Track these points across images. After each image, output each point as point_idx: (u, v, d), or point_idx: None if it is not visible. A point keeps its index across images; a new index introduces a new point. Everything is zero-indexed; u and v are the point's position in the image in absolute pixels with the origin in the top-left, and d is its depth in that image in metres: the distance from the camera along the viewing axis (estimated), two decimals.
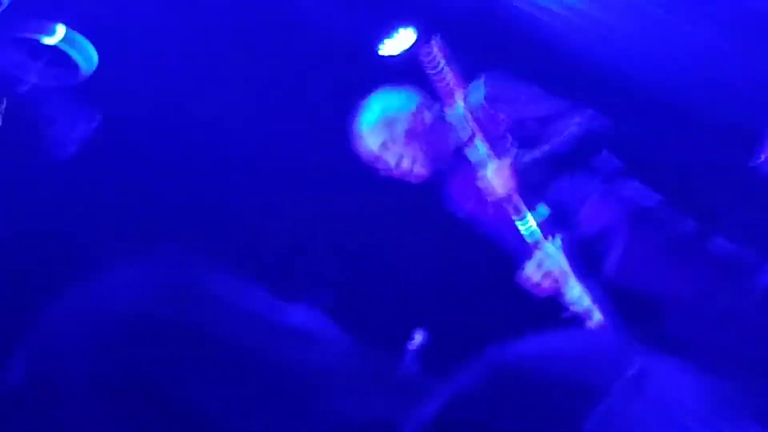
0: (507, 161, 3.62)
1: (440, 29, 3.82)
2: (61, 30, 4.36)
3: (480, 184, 3.67)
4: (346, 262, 4.58)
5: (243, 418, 3.93)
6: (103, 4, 4.56)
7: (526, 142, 3.70)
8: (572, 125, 3.69)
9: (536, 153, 3.64)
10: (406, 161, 3.74)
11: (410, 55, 3.87)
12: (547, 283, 3.64)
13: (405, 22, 4.75)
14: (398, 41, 5.87)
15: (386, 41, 5.48)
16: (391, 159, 3.76)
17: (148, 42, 4.73)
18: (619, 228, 3.63)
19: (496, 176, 3.62)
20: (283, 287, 4.14)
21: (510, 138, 3.71)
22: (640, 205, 3.67)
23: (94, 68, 4.42)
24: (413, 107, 3.79)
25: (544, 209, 3.66)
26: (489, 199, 3.68)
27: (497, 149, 3.66)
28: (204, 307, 4.09)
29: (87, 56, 4.42)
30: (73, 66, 4.45)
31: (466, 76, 3.74)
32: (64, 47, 4.36)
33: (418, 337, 4.22)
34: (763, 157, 4.27)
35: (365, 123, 3.79)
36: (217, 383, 3.96)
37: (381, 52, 5.21)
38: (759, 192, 4.50)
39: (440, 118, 3.79)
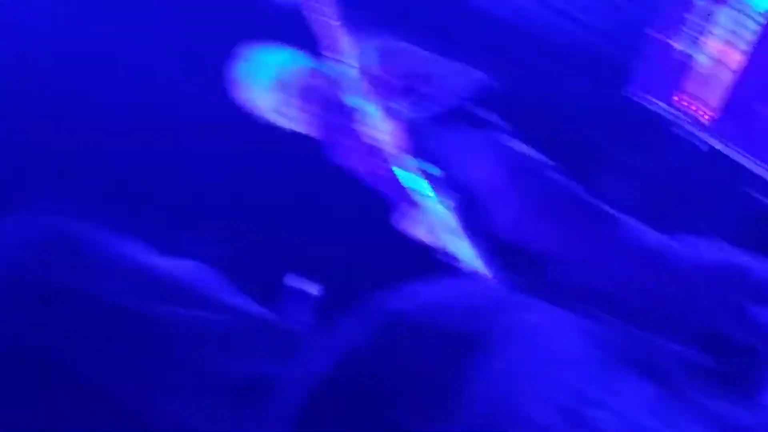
0: (397, 119, 3.57)
1: None
2: None
3: (369, 141, 3.62)
4: (229, 215, 4.50)
5: (121, 377, 3.80)
6: None
7: (415, 101, 3.68)
8: (461, 84, 3.68)
9: (425, 111, 3.62)
10: (301, 122, 3.66)
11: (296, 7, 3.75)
12: (429, 236, 3.64)
13: None
14: None
15: None
16: (284, 123, 3.66)
17: None
18: (507, 185, 3.66)
19: (385, 134, 3.58)
20: (164, 241, 4.00)
21: (400, 97, 3.68)
22: (523, 161, 3.70)
23: None
24: (304, 68, 3.70)
25: (433, 168, 3.65)
26: (377, 157, 3.64)
27: (387, 108, 3.61)
28: (79, 263, 3.92)
29: None
30: None
31: (358, 33, 3.66)
32: None
33: (299, 287, 4.16)
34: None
35: (255, 84, 3.68)
36: (92, 342, 3.82)
37: None
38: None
39: (331, 79, 3.72)
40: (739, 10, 4.16)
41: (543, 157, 3.77)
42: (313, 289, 4.11)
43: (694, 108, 4.38)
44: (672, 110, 4.50)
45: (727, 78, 4.23)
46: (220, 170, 4.50)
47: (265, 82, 3.71)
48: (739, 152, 4.32)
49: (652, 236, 3.70)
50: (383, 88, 3.70)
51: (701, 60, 4.34)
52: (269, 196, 4.47)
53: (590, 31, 5.62)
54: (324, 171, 3.89)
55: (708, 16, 4.28)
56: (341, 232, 4.40)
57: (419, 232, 3.65)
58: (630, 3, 5.38)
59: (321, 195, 4.44)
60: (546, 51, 5.44)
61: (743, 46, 4.17)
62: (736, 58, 4.20)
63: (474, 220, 3.67)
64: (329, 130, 3.79)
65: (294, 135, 3.78)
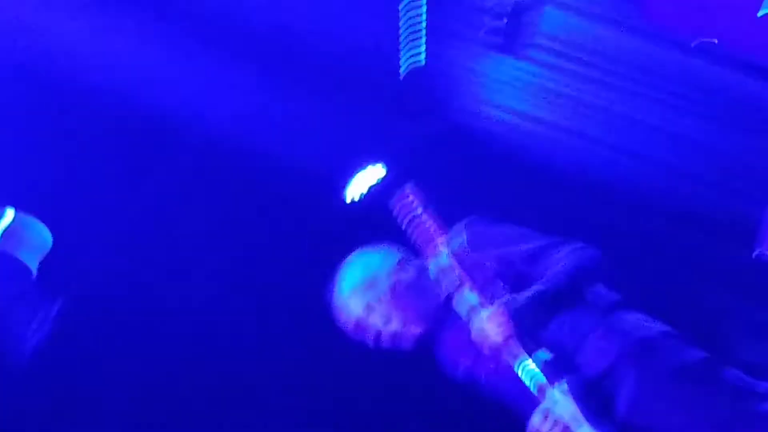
0: (500, 306, 3.39)
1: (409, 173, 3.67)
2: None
3: (474, 335, 3.45)
4: None
5: None
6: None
7: (515, 283, 3.50)
8: (562, 260, 3.49)
9: (528, 293, 3.43)
10: (394, 322, 3.53)
11: (383, 206, 3.67)
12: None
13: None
14: (365, 179, 5.80)
15: (352, 182, 5.41)
16: (378, 322, 3.54)
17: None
18: (624, 364, 3.42)
19: (490, 324, 3.41)
20: None
21: (500, 282, 3.51)
22: (642, 337, 3.46)
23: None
24: (394, 264, 3.60)
25: (544, 353, 3.44)
26: (485, 351, 3.46)
27: (487, 295, 3.44)
28: None
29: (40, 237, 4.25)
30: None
31: (445, 221, 3.53)
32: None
33: None
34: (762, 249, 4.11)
35: (345, 288, 3.59)
36: None
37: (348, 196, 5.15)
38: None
39: (423, 272, 3.60)
40: None
41: (665, 328, 3.51)
42: None
43: None
44: None
45: None
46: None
47: (359, 287, 3.59)
48: None
49: None
50: (481, 274, 3.54)
51: None
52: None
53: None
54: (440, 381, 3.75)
55: None
56: None
57: (543, 427, 3.41)
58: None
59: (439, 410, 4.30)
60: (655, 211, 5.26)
61: None
62: None
63: (600, 406, 3.42)
64: (433, 331, 3.64)
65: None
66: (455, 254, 3.52)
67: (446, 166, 5.91)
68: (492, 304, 3.43)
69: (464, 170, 5.73)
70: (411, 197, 3.50)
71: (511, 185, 5.62)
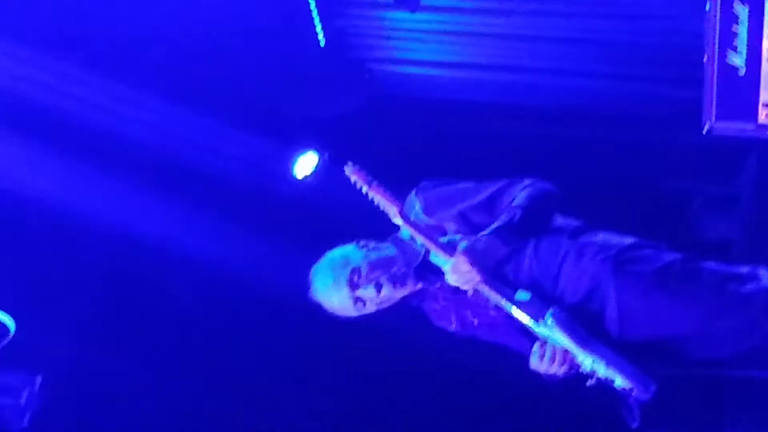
0: (460, 253, 3.37)
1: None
2: None
3: (456, 294, 3.46)
4: None
5: None
6: None
7: (473, 230, 3.50)
8: (515, 196, 3.48)
9: (486, 232, 3.42)
10: (385, 285, 3.52)
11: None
12: (557, 367, 3.41)
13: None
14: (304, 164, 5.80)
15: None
16: (367, 292, 3.53)
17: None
18: (603, 282, 3.43)
19: (457, 273, 3.38)
20: None
21: (460, 234, 3.50)
22: (614, 253, 3.47)
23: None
24: (361, 249, 3.58)
25: (523, 293, 3.43)
26: (473, 307, 3.49)
27: (450, 250, 3.43)
28: None
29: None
30: None
31: (394, 190, 3.50)
32: None
33: None
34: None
35: (328, 290, 3.57)
36: None
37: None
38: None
39: (392, 246, 3.61)
40: None
41: (633, 239, 3.50)
42: None
43: None
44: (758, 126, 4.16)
45: None
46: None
47: (335, 283, 3.57)
48: None
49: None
50: (441, 234, 3.52)
51: (765, 66, 4.04)
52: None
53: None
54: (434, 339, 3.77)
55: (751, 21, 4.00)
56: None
57: (542, 365, 3.40)
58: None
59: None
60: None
61: None
62: None
63: (585, 327, 3.42)
64: (420, 295, 3.63)
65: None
66: (414, 222, 3.48)
67: (378, 132, 5.90)
68: (463, 258, 3.40)
69: (397, 134, 5.73)
70: (354, 176, 3.46)
71: (446, 137, 5.62)
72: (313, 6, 5.75)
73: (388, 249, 3.62)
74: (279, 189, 5.69)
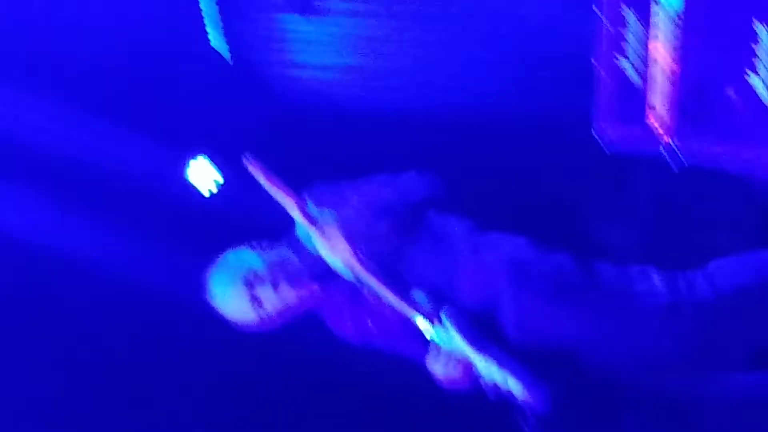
0: (330, 227, 3.39)
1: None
2: None
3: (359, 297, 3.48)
4: None
5: None
6: None
7: (372, 231, 3.50)
8: (396, 192, 3.49)
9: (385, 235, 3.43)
10: (282, 286, 3.51)
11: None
12: (454, 371, 3.41)
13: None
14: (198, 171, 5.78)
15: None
16: (265, 292, 3.51)
17: None
18: (498, 285, 3.44)
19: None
20: None
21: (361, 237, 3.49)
22: (508, 254, 3.48)
23: None
24: (258, 252, 3.57)
25: (418, 294, 3.44)
26: (373, 311, 3.50)
27: (356, 254, 3.43)
28: None
29: None
30: None
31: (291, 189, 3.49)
32: None
33: None
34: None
35: (224, 292, 3.54)
36: None
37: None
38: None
39: (289, 247, 3.59)
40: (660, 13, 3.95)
41: (524, 240, 3.53)
42: None
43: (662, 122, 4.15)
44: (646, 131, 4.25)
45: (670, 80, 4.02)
46: None
47: (236, 286, 3.56)
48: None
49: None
50: (341, 237, 3.51)
51: (654, 71, 4.12)
52: None
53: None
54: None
55: (638, 26, 4.07)
56: None
57: (441, 370, 3.40)
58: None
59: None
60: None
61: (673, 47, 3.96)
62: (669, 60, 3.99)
63: (481, 331, 3.43)
64: (314, 303, 3.62)
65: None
66: (309, 215, 3.47)
67: (275, 136, 5.90)
68: (362, 262, 3.40)
69: (294, 137, 5.73)
70: (252, 168, 3.44)
71: (342, 141, 5.62)
72: (205, 10, 5.72)
73: (282, 250, 3.62)
74: (175, 194, 5.64)
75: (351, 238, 3.37)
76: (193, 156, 5.86)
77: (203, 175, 5.90)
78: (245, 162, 3.42)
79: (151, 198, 5.45)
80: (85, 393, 5.45)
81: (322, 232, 3.43)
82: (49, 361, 5.40)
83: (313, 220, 3.45)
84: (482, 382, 3.39)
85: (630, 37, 4.08)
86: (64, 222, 5.26)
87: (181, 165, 5.79)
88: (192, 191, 5.81)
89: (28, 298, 5.39)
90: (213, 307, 3.56)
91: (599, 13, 4.05)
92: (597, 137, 4.23)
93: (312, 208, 3.49)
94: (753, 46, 3.88)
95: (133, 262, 5.42)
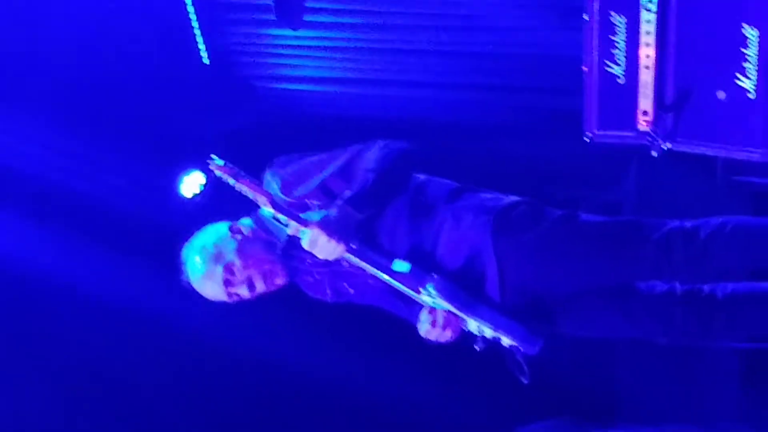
0: (314, 227, 3.35)
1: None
2: None
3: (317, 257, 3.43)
4: None
5: None
6: None
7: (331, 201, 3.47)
8: (369, 159, 3.46)
9: (339, 201, 3.39)
10: (256, 283, 3.49)
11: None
12: (447, 333, 3.42)
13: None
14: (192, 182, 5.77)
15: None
16: (241, 291, 3.48)
17: None
18: (483, 245, 3.42)
19: (315, 246, 3.35)
20: None
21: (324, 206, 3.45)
22: (492, 214, 3.46)
23: None
24: (227, 231, 3.55)
25: (401, 264, 3.41)
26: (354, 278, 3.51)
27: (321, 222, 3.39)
28: None
29: None
30: None
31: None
32: None
33: None
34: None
35: (195, 273, 3.51)
36: None
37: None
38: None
39: (257, 227, 3.59)
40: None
41: (511, 199, 3.51)
42: None
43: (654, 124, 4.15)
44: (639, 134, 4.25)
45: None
46: None
47: (207, 267, 3.53)
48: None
49: None
50: (304, 208, 3.44)
51: (645, 77, 4.11)
52: None
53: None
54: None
55: (628, 32, 4.07)
56: None
57: (430, 332, 3.38)
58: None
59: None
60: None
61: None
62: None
63: (469, 293, 3.41)
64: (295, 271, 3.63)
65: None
66: (275, 202, 3.44)
67: (263, 149, 5.88)
68: (331, 230, 3.36)
69: (282, 150, 5.72)
70: (218, 171, 3.42)
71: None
72: (195, 24, 5.71)
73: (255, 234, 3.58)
74: (166, 209, 5.62)
75: (339, 233, 3.35)
76: (188, 171, 5.85)
77: (197, 189, 5.90)
78: (211, 165, 3.40)
79: (143, 214, 5.43)
80: (72, 412, 5.43)
81: (307, 229, 3.39)
82: (36, 381, 5.38)
83: (294, 216, 3.42)
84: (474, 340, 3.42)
85: (620, 43, 4.07)
86: (51, 240, 5.23)
87: (175, 180, 5.79)
88: (183, 205, 5.80)
89: (14, 319, 5.37)
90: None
91: (590, 19, 4.05)
92: (589, 143, 4.22)
93: (278, 195, 3.47)
94: (742, 50, 3.89)
95: (120, 281, 5.40)
